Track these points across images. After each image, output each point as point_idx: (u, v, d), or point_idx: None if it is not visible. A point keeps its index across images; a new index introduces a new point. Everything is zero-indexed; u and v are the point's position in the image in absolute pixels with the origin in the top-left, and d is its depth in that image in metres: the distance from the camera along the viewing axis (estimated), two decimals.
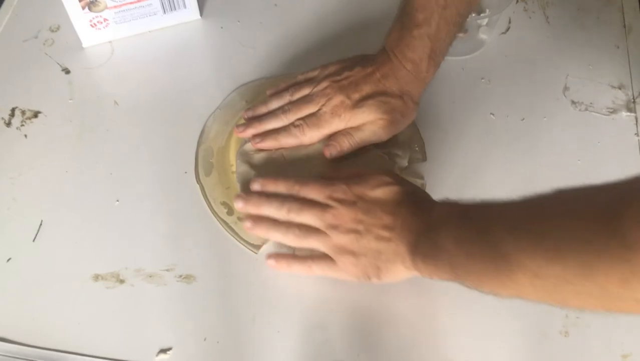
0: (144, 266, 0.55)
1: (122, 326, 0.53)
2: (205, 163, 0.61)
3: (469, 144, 0.63)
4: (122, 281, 0.55)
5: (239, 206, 0.55)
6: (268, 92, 0.62)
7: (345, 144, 0.57)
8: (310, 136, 0.58)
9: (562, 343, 0.52)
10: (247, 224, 0.54)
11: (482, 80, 0.67)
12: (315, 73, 0.61)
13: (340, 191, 0.52)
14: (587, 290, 0.37)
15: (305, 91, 0.59)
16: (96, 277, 0.55)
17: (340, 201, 0.51)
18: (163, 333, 0.52)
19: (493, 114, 0.65)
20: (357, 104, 0.57)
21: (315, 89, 0.58)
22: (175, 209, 0.59)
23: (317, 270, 0.53)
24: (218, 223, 0.58)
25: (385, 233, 0.50)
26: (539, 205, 0.42)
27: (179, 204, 0.59)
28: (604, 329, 0.52)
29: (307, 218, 0.52)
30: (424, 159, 0.62)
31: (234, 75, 0.67)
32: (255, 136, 0.59)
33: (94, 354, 0.51)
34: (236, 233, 0.57)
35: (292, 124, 0.58)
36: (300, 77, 0.62)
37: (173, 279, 0.55)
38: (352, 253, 0.51)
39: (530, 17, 0.73)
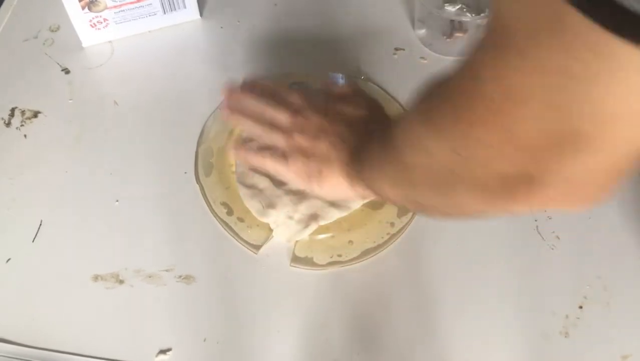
0: (144, 267, 0.55)
1: (122, 326, 0.53)
2: (205, 163, 0.61)
3: None
4: (121, 282, 0.55)
5: (224, 93, 0.57)
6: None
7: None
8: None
9: (562, 344, 0.52)
10: (225, 111, 0.57)
11: None
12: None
13: (318, 102, 0.55)
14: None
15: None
16: (96, 277, 0.55)
17: (314, 109, 0.54)
18: (163, 333, 0.52)
19: None
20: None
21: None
22: (175, 210, 0.59)
23: (269, 163, 0.54)
24: (218, 223, 0.58)
25: (338, 141, 0.52)
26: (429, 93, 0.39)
27: (178, 204, 0.59)
28: (604, 329, 0.52)
29: (280, 116, 0.54)
30: None
31: (234, 75, 0.67)
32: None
33: (94, 355, 0.51)
34: (236, 233, 0.57)
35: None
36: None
37: (173, 279, 0.55)
38: (305, 153, 0.53)
39: None
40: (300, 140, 0.53)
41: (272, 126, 0.55)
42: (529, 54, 0.25)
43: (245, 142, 0.58)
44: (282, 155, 0.54)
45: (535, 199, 0.31)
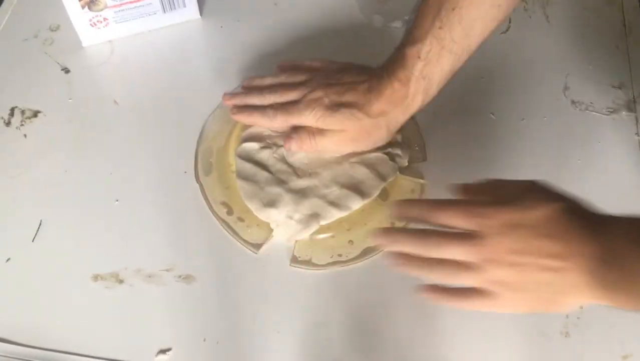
0: (144, 266, 0.55)
1: (122, 326, 0.53)
2: (204, 163, 0.61)
3: (469, 144, 0.63)
4: (121, 281, 0.55)
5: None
6: (277, 65, 0.63)
7: (306, 143, 0.57)
8: (280, 121, 0.58)
9: (562, 344, 0.52)
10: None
11: (482, 80, 0.67)
12: (320, 65, 0.61)
13: (490, 215, 0.44)
14: None
15: (299, 78, 0.60)
16: (95, 277, 0.55)
17: (491, 228, 0.43)
18: (162, 333, 0.52)
19: (493, 114, 0.65)
20: (332, 107, 0.56)
21: (307, 80, 0.59)
22: (175, 209, 0.59)
23: (476, 305, 0.45)
24: (218, 222, 0.58)
25: (554, 263, 0.42)
26: None
27: (178, 204, 0.59)
28: (605, 330, 0.52)
29: (453, 252, 0.44)
30: (424, 159, 0.62)
31: (234, 74, 0.67)
32: (234, 106, 0.60)
33: (93, 354, 0.51)
34: (236, 233, 0.57)
35: (270, 106, 0.59)
36: (307, 63, 0.62)
37: (172, 279, 0.55)
38: (515, 288, 0.43)
39: (530, 17, 0.73)
40: (497, 275, 0.43)
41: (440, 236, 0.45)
42: None
43: (245, 142, 0.59)
44: (478, 291, 0.44)
45: None
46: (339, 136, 0.56)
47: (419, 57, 0.53)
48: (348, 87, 0.57)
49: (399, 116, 0.56)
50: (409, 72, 0.54)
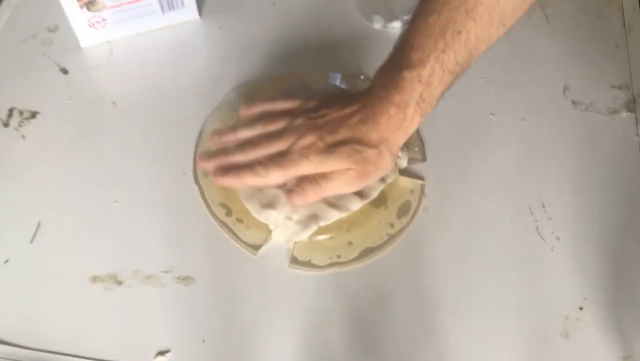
0: (142, 268, 0.55)
1: (120, 328, 0.53)
2: None
3: (469, 144, 0.63)
4: (120, 283, 0.55)
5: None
6: (241, 112, 0.59)
7: (310, 194, 0.52)
8: (275, 176, 0.53)
9: (562, 345, 0.52)
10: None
11: (482, 80, 0.67)
12: (295, 104, 0.57)
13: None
14: None
15: (279, 125, 0.55)
16: (94, 278, 0.55)
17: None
18: (161, 335, 0.52)
19: (493, 114, 0.65)
20: (329, 148, 0.52)
21: (289, 125, 0.54)
22: (174, 211, 0.58)
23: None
24: (216, 224, 0.57)
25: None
26: None
27: (177, 205, 0.59)
28: (605, 330, 0.52)
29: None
30: (424, 159, 0.61)
31: (233, 75, 0.67)
32: (217, 169, 0.55)
33: (91, 356, 0.51)
34: (235, 234, 0.57)
35: (258, 162, 0.53)
36: (279, 106, 0.57)
37: (171, 280, 0.55)
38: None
39: (530, 17, 0.73)
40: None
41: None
42: None
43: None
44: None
45: None
46: (345, 176, 0.52)
47: (419, 82, 0.50)
48: (338, 123, 0.53)
49: (400, 139, 0.53)
50: (408, 97, 0.51)
